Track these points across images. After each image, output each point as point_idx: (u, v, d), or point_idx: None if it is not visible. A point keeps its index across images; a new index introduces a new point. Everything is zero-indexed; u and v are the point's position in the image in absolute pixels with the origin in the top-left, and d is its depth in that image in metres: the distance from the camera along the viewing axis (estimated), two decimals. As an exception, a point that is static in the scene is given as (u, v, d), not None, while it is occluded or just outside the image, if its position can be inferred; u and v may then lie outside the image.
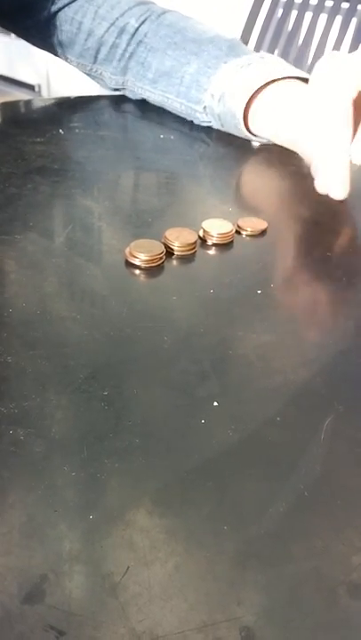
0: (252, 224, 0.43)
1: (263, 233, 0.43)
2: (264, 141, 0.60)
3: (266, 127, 0.58)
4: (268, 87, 0.56)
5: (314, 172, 0.46)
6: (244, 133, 0.59)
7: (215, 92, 0.59)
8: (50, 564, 0.20)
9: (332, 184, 0.44)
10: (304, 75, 0.57)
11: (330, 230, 0.46)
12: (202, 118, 0.63)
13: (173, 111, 0.66)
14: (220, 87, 0.59)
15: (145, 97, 0.68)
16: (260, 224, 0.43)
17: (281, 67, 0.57)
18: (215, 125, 0.62)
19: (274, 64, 0.57)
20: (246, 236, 0.43)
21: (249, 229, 0.43)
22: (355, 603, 0.20)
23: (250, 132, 0.59)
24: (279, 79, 0.56)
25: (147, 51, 0.65)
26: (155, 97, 0.66)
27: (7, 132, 0.60)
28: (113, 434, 0.26)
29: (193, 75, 0.61)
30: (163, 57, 0.64)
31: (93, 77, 0.71)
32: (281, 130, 0.57)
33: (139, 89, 0.67)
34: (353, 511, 0.23)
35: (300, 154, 0.55)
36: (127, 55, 0.66)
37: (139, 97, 0.69)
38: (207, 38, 0.62)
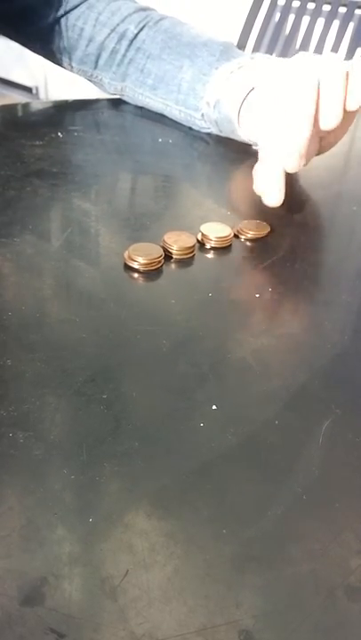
0: (254, 228, 0.43)
1: (263, 237, 0.43)
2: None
3: (253, 130, 0.58)
4: (258, 89, 0.56)
5: (254, 171, 0.46)
6: (242, 138, 0.59)
7: (210, 100, 0.60)
8: (49, 566, 0.20)
9: (266, 189, 0.45)
10: None
11: (328, 234, 0.46)
12: (201, 125, 0.64)
13: (173, 118, 0.66)
14: (215, 94, 0.59)
15: (145, 104, 0.69)
16: (263, 228, 0.43)
17: (270, 66, 0.56)
18: (214, 131, 0.63)
19: (263, 64, 0.57)
20: (245, 239, 0.43)
21: (250, 234, 0.43)
22: (353, 605, 0.20)
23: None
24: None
25: (145, 57, 0.66)
26: (155, 104, 0.67)
27: (6, 135, 0.60)
28: (112, 437, 0.26)
29: (189, 82, 0.62)
30: (160, 62, 0.65)
31: (94, 83, 0.72)
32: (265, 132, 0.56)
33: (139, 95, 0.68)
34: (351, 514, 0.23)
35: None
36: (126, 61, 0.67)
37: (138, 104, 0.69)
38: (200, 42, 0.63)
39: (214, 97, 0.59)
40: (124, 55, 0.67)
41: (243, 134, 0.59)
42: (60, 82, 3.10)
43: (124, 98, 0.71)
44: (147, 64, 0.66)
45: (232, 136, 0.60)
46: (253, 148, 0.60)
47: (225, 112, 0.58)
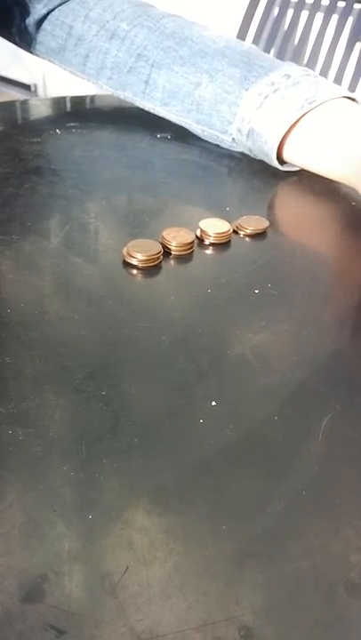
0: (253, 224, 0.43)
1: (262, 233, 0.43)
2: (296, 169, 0.55)
3: (311, 165, 0.53)
4: (303, 120, 0.51)
5: None
6: (281, 169, 0.54)
7: (242, 128, 0.53)
8: (49, 563, 0.20)
9: None
10: (339, 91, 0.51)
11: (327, 230, 0.46)
12: (232, 146, 0.57)
13: (196, 134, 0.60)
14: (247, 122, 0.53)
15: (160, 116, 0.62)
16: (262, 224, 0.43)
17: (312, 88, 0.51)
18: (249, 154, 0.57)
19: (302, 87, 0.51)
20: (244, 235, 0.43)
21: (250, 229, 0.43)
22: (353, 601, 0.20)
23: (285, 161, 0.54)
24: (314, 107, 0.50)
25: (149, 66, 0.58)
26: (170, 118, 0.61)
27: (4, 132, 0.60)
28: (111, 434, 0.26)
29: (211, 102, 0.55)
30: (169, 74, 0.57)
31: (91, 83, 0.66)
32: (335, 165, 0.51)
33: (149, 109, 0.61)
34: (351, 510, 0.23)
35: (351, 184, 0.50)
36: (123, 69, 0.60)
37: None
38: (217, 50, 0.55)
39: (246, 126, 0.53)
40: (117, 57, 0.59)
41: (292, 162, 0.54)
42: (58, 79, 3.09)
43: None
44: (152, 74, 0.58)
45: (269, 163, 0.55)
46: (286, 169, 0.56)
47: (260, 144, 0.53)
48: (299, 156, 0.53)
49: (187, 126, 0.59)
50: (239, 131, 0.54)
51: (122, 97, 0.63)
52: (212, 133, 0.57)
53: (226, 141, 0.57)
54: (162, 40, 0.58)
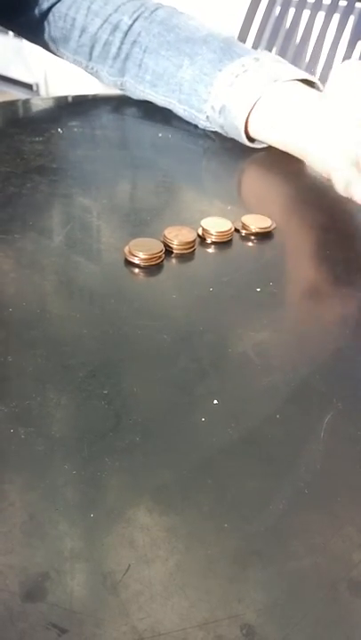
0: (255, 222, 0.43)
1: (264, 231, 0.43)
2: (265, 145, 0.59)
3: (270, 137, 0.57)
4: (268, 95, 0.55)
5: (345, 182, 0.45)
6: (249, 144, 0.58)
7: (215, 104, 0.58)
8: (51, 562, 0.20)
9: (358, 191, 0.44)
10: (301, 74, 0.56)
11: (329, 228, 0.46)
12: (206, 125, 0.62)
13: (178, 114, 0.65)
14: (219, 100, 0.58)
15: (149, 99, 0.67)
16: (264, 222, 0.43)
17: (277, 69, 0.56)
18: (220, 132, 0.61)
19: (269, 67, 0.56)
20: (246, 234, 0.43)
21: (251, 228, 0.42)
22: (355, 599, 0.20)
23: (253, 140, 0.58)
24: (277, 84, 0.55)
25: (142, 51, 0.64)
26: (158, 100, 0.65)
27: (6, 131, 0.60)
28: (113, 432, 0.26)
29: (190, 82, 0.60)
30: (157, 57, 0.63)
31: (91, 74, 0.70)
32: (287, 138, 0.55)
33: (140, 92, 0.66)
34: (353, 508, 0.23)
35: (309, 163, 0.53)
36: (122, 56, 0.65)
37: (141, 98, 0.68)
38: (200, 37, 0.61)
39: (219, 102, 0.57)
40: (120, 48, 0.65)
41: (257, 139, 0.58)
42: (60, 79, 3.09)
43: (125, 92, 0.70)
44: (144, 59, 0.64)
45: (238, 139, 0.59)
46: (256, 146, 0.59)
47: (231, 119, 0.57)
48: (262, 130, 0.57)
49: (171, 107, 0.64)
50: (213, 108, 0.59)
51: (119, 84, 0.68)
52: (191, 112, 0.62)
53: (201, 120, 0.61)
54: (153, 27, 0.63)
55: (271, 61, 0.57)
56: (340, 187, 0.47)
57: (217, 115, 0.58)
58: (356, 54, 1.56)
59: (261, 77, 0.55)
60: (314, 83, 0.57)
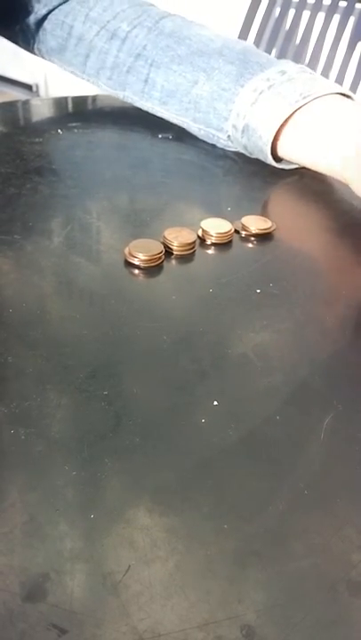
0: (254, 223, 0.43)
1: (264, 232, 0.43)
2: (292, 167, 0.55)
3: (301, 159, 0.53)
4: (296, 115, 0.50)
5: None
6: (276, 166, 0.54)
7: (237, 123, 0.53)
8: (51, 562, 0.20)
9: None
10: (334, 87, 0.51)
11: (328, 228, 0.46)
12: (227, 145, 0.57)
13: (193, 133, 0.60)
14: (242, 118, 0.53)
15: (158, 116, 0.62)
16: (264, 223, 0.43)
17: (307, 84, 0.51)
18: (244, 153, 0.56)
19: (297, 82, 0.51)
20: (246, 235, 0.43)
21: (251, 229, 0.42)
22: (355, 600, 0.20)
23: (280, 159, 0.54)
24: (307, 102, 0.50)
25: (148, 65, 0.58)
26: (168, 117, 0.61)
27: (5, 132, 0.60)
28: (113, 433, 0.26)
29: (208, 100, 0.55)
30: (167, 73, 0.57)
31: (91, 83, 0.66)
32: (322, 160, 0.51)
33: (148, 109, 0.62)
34: (352, 509, 0.23)
35: (345, 180, 0.49)
36: (123, 68, 0.60)
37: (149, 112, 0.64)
38: (215, 49, 0.56)
39: (241, 122, 0.53)
40: (117, 57, 0.60)
41: (286, 158, 0.54)
42: (59, 79, 3.09)
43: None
44: (150, 74, 0.58)
45: (264, 161, 0.55)
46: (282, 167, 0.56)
47: (255, 140, 0.53)
48: (293, 151, 0.52)
49: (184, 126, 0.59)
50: (235, 127, 0.54)
51: (121, 97, 0.63)
52: (208, 132, 0.57)
53: (222, 140, 0.57)
54: (161, 39, 0.58)
55: (298, 74, 0.52)
56: None
57: (240, 135, 0.54)
58: (356, 55, 1.56)
59: (289, 94, 0.50)
60: (349, 96, 0.52)
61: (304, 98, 0.50)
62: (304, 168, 0.53)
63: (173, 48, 0.57)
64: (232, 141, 0.56)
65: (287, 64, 0.53)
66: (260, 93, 0.51)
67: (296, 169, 0.54)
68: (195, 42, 0.57)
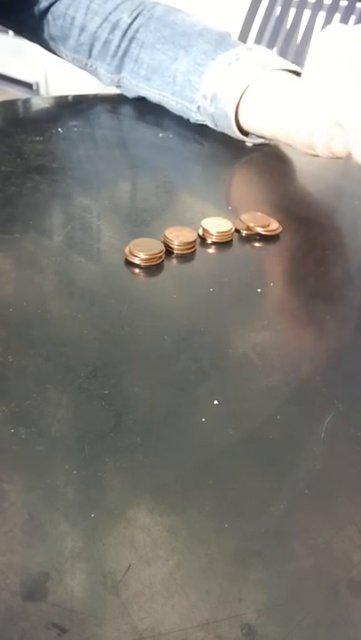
0: (255, 222, 0.43)
1: (265, 231, 0.43)
2: (257, 142, 0.59)
3: (259, 124, 0.57)
4: (258, 83, 0.55)
5: (325, 139, 0.45)
6: (237, 134, 0.58)
7: (207, 93, 0.58)
8: (52, 562, 0.20)
9: None
10: (291, 66, 0.56)
11: (329, 228, 0.46)
12: (197, 118, 0.62)
13: (171, 109, 0.65)
14: (211, 87, 0.58)
15: (143, 95, 0.67)
16: (264, 222, 0.43)
17: (269, 59, 0.56)
18: (210, 125, 0.61)
19: (261, 57, 0.56)
20: (246, 234, 0.43)
21: (252, 227, 0.42)
22: (355, 600, 0.20)
23: (243, 130, 0.58)
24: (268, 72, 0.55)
25: (138, 47, 0.64)
26: (152, 95, 0.66)
27: (6, 131, 0.60)
28: (114, 432, 0.26)
29: (184, 73, 0.61)
30: (152, 51, 0.63)
31: (89, 72, 0.70)
32: (276, 123, 0.55)
33: (134, 87, 0.67)
34: (353, 509, 0.23)
35: (298, 145, 0.52)
36: (120, 52, 0.66)
37: (136, 95, 0.68)
38: (196, 31, 0.61)
39: (211, 90, 0.58)
40: (118, 46, 0.65)
41: (246, 128, 0.57)
42: (60, 78, 3.09)
43: (122, 90, 0.70)
44: (140, 54, 0.64)
45: (227, 132, 0.59)
46: (247, 144, 0.60)
47: (221, 107, 0.57)
48: (251, 117, 0.56)
49: (165, 101, 0.65)
50: (204, 96, 0.59)
51: (116, 80, 0.68)
52: (183, 105, 0.62)
53: (192, 112, 0.62)
54: (151, 23, 0.64)
55: (264, 52, 0.57)
56: (320, 146, 0.46)
57: (208, 103, 0.59)
58: (356, 54, 1.55)
59: (252, 65, 0.56)
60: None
61: (264, 68, 0.55)
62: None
63: (160, 30, 0.63)
64: (201, 113, 0.61)
65: (256, 46, 0.59)
66: (229, 65, 0.57)
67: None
68: (179, 25, 0.63)
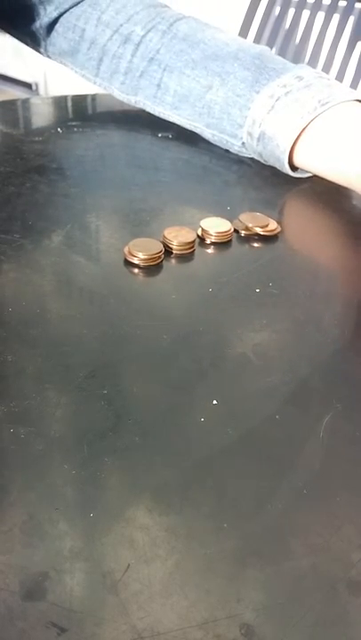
0: (254, 222, 0.43)
1: (264, 232, 0.43)
2: (305, 176, 0.53)
3: (321, 170, 0.51)
4: (315, 123, 0.49)
5: None
6: (293, 175, 0.53)
7: (252, 131, 0.52)
8: (51, 561, 0.20)
9: None
10: (354, 94, 0.50)
11: (328, 228, 0.46)
12: (241, 152, 0.56)
13: (205, 138, 0.59)
14: (257, 126, 0.52)
15: (170, 121, 0.61)
16: (263, 222, 0.43)
17: (325, 90, 0.49)
18: (259, 160, 0.55)
19: (315, 89, 0.49)
20: (245, 234, 0.43)
21: (250, 228, 0.42)
22: (354, 599, 0.20)
23: (296, 168, 0.53)
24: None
25: (161, 70, 0.58)
26: (180, 122, 0.60)
27: (5, 131, 0.60)
28: (113, 432, 0.26)
29: (222, 106, 0.54)
30: (180, 77, 0.56)
31: (103, 88, 0.65)
32: (337, 166, 0.49)
33: (160, 113, 0.61)
34: (352, 508, 0.23)
35: (359, 189, 0.48)
36: (136, 73, 0.60)
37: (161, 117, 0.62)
38: (230, 53, 0.54)
39: (258, 129, 0.52)
40: (131, 62, 0.59)
41: (302, 167, 0.52)
42: (59, 78, 3.09)
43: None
44: (164, 78, 0.58)
45: (280, 170, 0.53)
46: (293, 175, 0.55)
47: (272, 148, 0.51)
48: (309, 160, 0.51)
49: (197, 131, 0.59)
50: (250, 134, 0.53)
51: (133, 102, 0.62)
52: (222, 138, 0.56)
53: (235, 146, 0.56)
54: (175, 43, 0.57)
55: (315, 79, 0.50)
56: None
57: (255, 142, 0.53)
58: (355, 54, 1.56)
59: (307, 101, 0.49)
60: None
61: (322, 105, 0.48)
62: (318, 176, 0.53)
63: (187, 52, 0.56)
64: (246, 148, 0.55)
65: (304, 69, 0.52)
66: (277, 100, 0.50)
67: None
68: (209, 46, 0.56)
